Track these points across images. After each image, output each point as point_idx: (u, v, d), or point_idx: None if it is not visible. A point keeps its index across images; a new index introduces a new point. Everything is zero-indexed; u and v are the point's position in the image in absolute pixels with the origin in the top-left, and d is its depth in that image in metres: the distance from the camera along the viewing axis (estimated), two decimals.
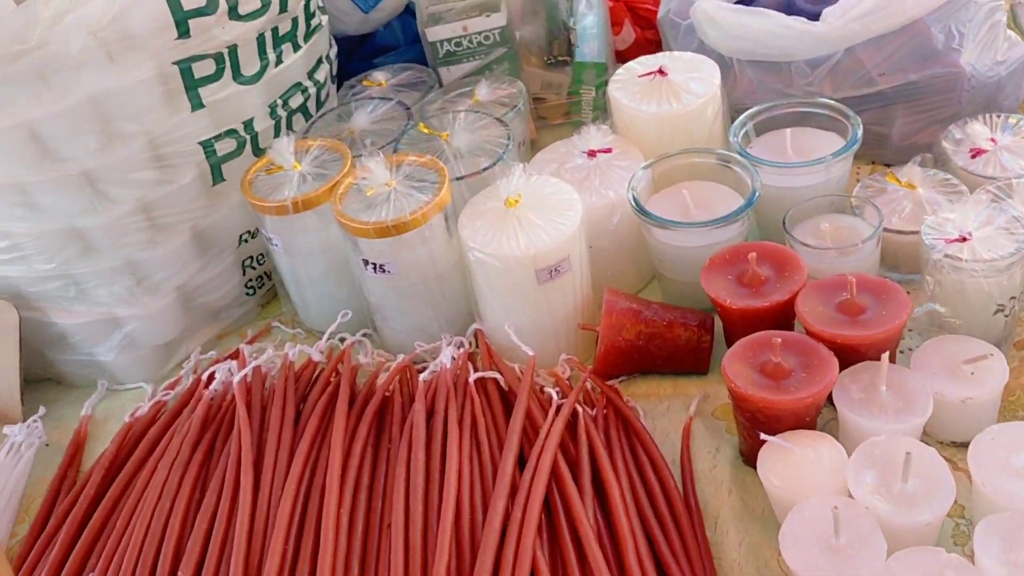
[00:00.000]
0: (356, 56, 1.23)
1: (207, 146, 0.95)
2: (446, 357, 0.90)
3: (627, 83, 1.00)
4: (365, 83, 1.16)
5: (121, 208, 0.93)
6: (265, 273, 1.06)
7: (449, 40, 1.13)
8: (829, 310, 0.80)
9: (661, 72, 0.99)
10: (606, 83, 1.16)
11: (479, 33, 1.13)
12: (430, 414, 0.85)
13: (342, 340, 0.99)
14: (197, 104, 0.92)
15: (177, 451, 0.85)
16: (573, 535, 0.74)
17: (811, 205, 0.91)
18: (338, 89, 1.17)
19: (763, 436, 0.75)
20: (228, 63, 0.93)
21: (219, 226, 1.00)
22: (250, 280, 1.06)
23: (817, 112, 0.97)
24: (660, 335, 0.89)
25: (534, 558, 0.72)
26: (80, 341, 0.99)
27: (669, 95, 0.98)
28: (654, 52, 1.30)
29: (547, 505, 0.77)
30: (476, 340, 0.95)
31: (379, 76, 1.16)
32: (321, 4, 1.08)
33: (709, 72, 0.99)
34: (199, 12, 0.89)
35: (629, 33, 1.30)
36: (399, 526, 0.75)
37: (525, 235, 0.86)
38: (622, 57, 1.31)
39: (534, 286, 0.87)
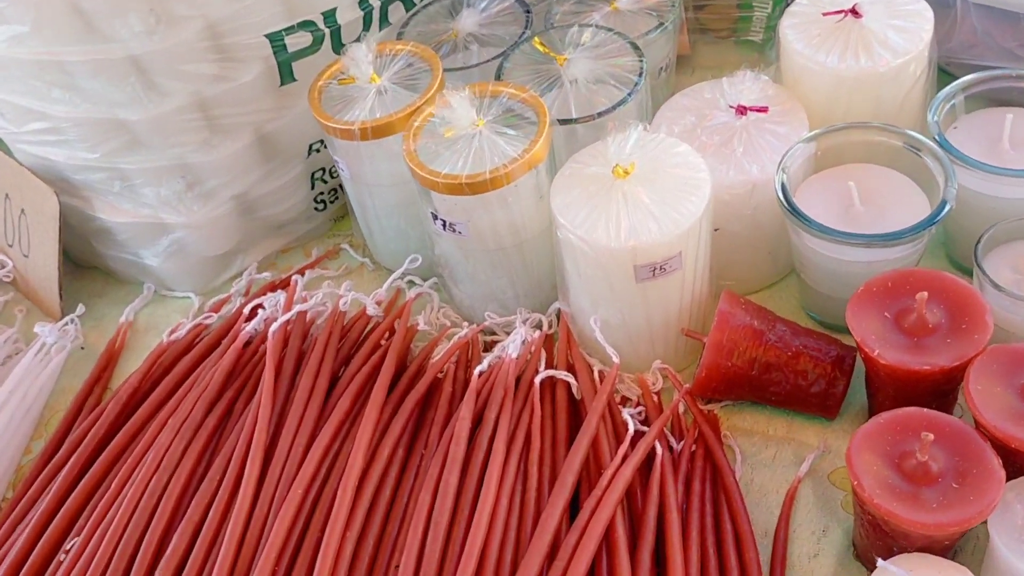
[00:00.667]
0: None
1: (275, 39, 0.79)
2: (514, 344, 0.74)
3: (806, 20, 0.77)
4: None
5: (172, 102, 0.79)
6: (339, 186, 0.92)
7: None
8: (1013, 396, 0.60)
9: (854, 12, 0.75)
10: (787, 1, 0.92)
11: None
12: (477, 421, 0.70)
13: (411, 283, 0.84)
14: None
15: (192, 407, 0.74)
16: None
17: (1018, 227, 0.69)
18: None
19: (880, 563, 0.57)
20: None
21: (286, 132, 0.85)
22: (320, 194, 0.91)
23: None
24: (781, 367, 0.70)
25: None
26: (126, 240, 0.89)
27: (859, 46, 0.74)
28: None
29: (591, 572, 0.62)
30: (557, 320, 0.78)
31: None
32: None
33: (919, 21, 0.75)
34: None
35: None
36: (408, 572, 0.62)
37: (629, 219, 0.67)
38: None
39: (631, 283, 0.69)
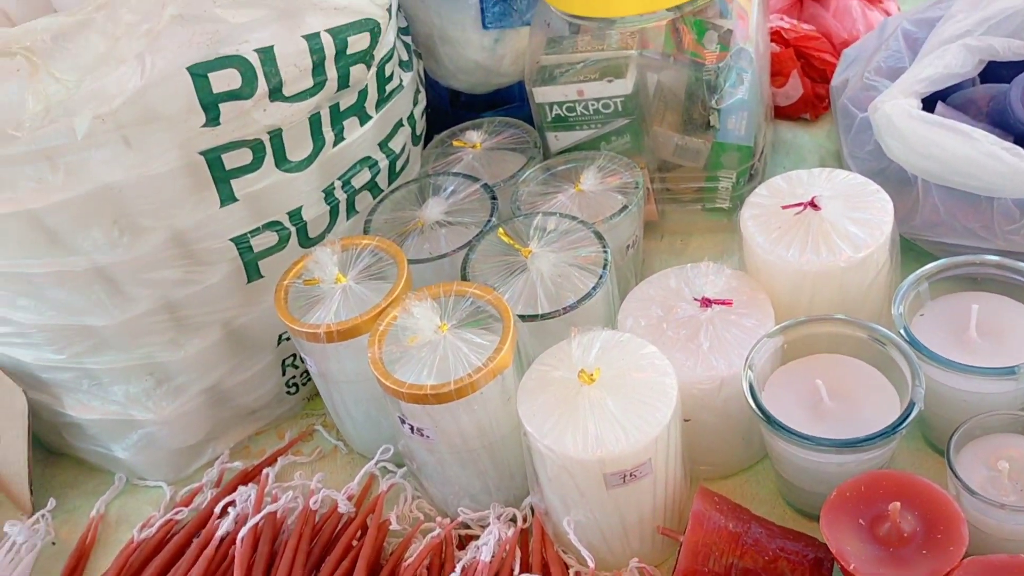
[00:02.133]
0: (461, 103, 1.04)
1: (241, 242, 0.79)
2: (487, 547, 0.73)
3: (766, 212, 0.77)
4: (456, 143, 0.97)
5: (139, 307, 0.79)
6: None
7: (560, 104, 0.92)
8: None
9: (813, 205, 0.75)
10: (751, 168, 0.94)
11: (597, 100, 0.91)
12: None
13: (384, 469, 0.83)
14: (228, 197, 0.76)
15: None
16: None
17: (992, 421, 0.68)
18: (425, 144, 0.99)
19: None
20: (270, 149, 0.77)
21: (255, 325, 0.85)
22: (292, 379, 0.91)
23: (1021, 280, 0.72)
24: (758, 572, 0.68)
25: None
26: (96, 434, 0.88)
27: (820, 239, 0.74)
28: (823, 112, 1.07)
29: None
30: (532, 513, 0.77)
31: (473, 136, 0.96)
32: (405, 57, 0.89)
33: (879, 212, 0.75)
34: (232, 95, 0.72)
35: (796, 87, 1.05)
36: None
37: (596, 428, 0.67)
38: (783, 114, 1.08)
39: (601, 489, 0.68)
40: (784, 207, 0.76)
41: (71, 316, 0.78)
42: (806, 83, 1.05)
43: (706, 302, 0.75)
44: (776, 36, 1.04)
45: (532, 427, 0.69)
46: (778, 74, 1.04)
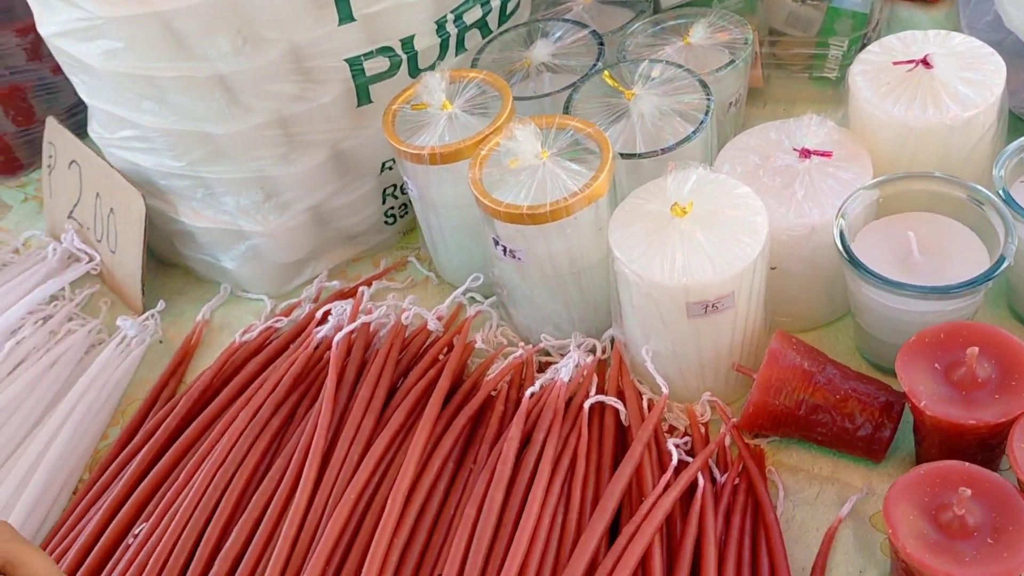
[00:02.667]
0: None
1: (355, 64, 0.82)
2: (567, 368, 0.76)
3: (876, 68, 0.77)
4: None
5: (255, 119, 0.83)
6: (409, 202, 0.95)
7: None
8: None
9: (925, 63, 0.75)
10: (864, 37, 0.93)
11: None
12: (526, 440, 0.72)
13: (472, 299, 0.87)
14: (346, 16, 0.79)
15: (259, 405, 0.78)
16: None
17: None
18: None
19: None
20: None
21: (360, 149, 0.88)
22: (391, 208, 0.95)
23: None
24: (829, 409, 0.71)
25: None
26: (206, 243, 0.93)
27: (928, 96, 0.74)
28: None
29: None
30: (611, 346, 0.80)
31: None
32: None
33: (991, 74, 0.75)
34: None
35: None
36: None
37: (683, 257, 0.69)
38: None
39: (683, 318, 0.71)
40: (895, 63, 0.76)
41: (192, 122, 0.83)
42: None
43: (805, 153, 0.76)
44: None
45: (622, 253, 0.71)
46: None
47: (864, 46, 0.93)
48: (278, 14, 0.77)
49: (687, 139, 0.78)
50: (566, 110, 0.83)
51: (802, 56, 0.96)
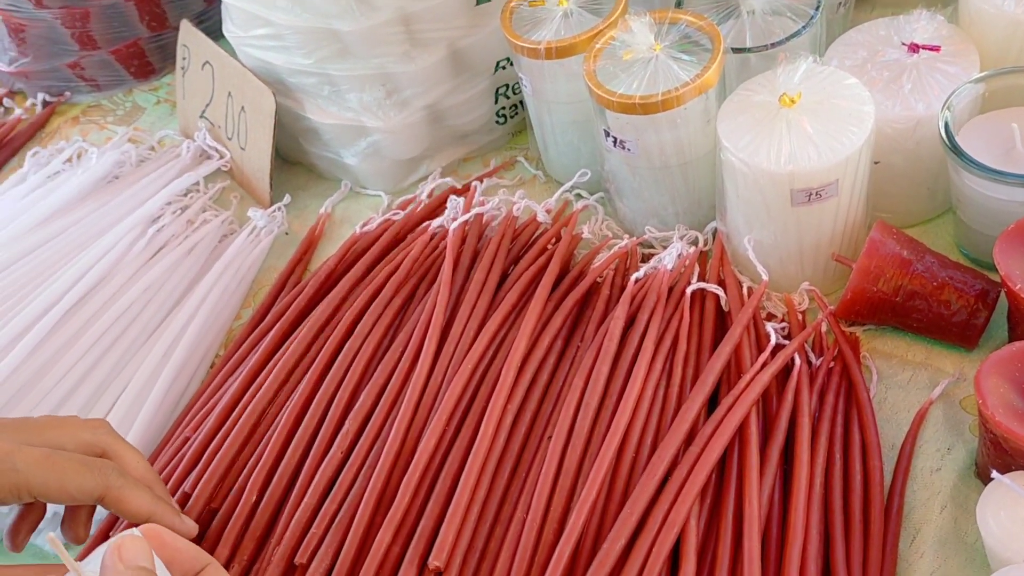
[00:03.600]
0: None
1: None
2: (670, 257, 0.80)
3: None
4: None
5: (380, 16, 0.88)
6: (520, 102, 0.99)
7: None
8: None
9: None
10: None
11: None
12: (630, 322, 0.77)
13: (579, 195, 0.91)
14: None
15: (380, 286, 0.84)
16: (737, 512, 0.66)
17: None
18: None
19: (994, 474, 0.61)
20: None
21: (477, 48, 0.93)
22: (502, 108, 0.99)
23: None
24: (925, 296, 0.73)
25: (685, 526, 0.65)
26: (330, 140, 0.99)
27: None
28: None
29: (722, 465, 0.69)
30: (713, 238, 0.84)
31: None
32: None
33: None
34: None
35: None
36: (558, 443, 0.70)
37: (790, 145, 0.72)
38: None
39: (787, 206, 0.74)
40: None
41: (322, 19, 0.88)
42: None
43: (913, 47, 0.77)
44: None
45: (729, 143, 0.74)
46: None
47: None
48: None
49: (796, 34, 0.80)
50: (678, 6, 0.85)
51: None
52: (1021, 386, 0.62)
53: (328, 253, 0.96)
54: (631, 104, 0.76)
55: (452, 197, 0.93)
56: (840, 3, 0.90)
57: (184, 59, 1.09)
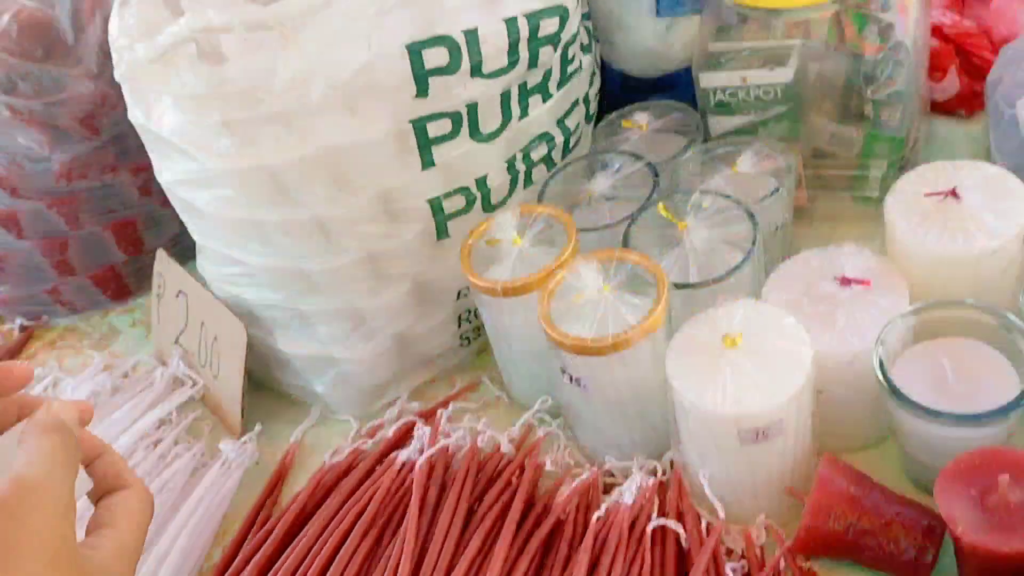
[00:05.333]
0: (630, 84, 1.12)
1: (435, 203, 0.91)
2: (630, 492, 0.83)
3: (909, 199, 0.83)
4: (624, 123, 1.06)
5: (348, 257, 0.92)
6: (481, 325, 1.03)
7: (723, 89, 0.99)
8: None
9: (953, 194, 0.81)
10: (903, 159, 0.99)
11: (759, 87, 0.98)
12: (594, 564, 0.78)
13: (541, 419, 0.94)
14: (428, 162, 0.89)
15: (348, 529, 0.86)
16: None
17: None
18: (596, 123, 1.08)
19: None
20: (466, 121, 0.88)
21: (440, 279, 0.97)
22: (465, 332, 1.03)
23: None
24: (875, 533, 0.76)
25: None
26: (299, 369, 1.02)
27: (957, 226, 0.80)
28: (978, 108, 1.10)
29: None
30: (672, 467, 0.86)
31: (640, 118, 1.05)
32: (586, 41, 0.98)
33: (1017, 203, 0.80)
34: (441, 71, 0.84)
35: (953, 82, 1.09)
36: None
37: (734, 386, 0.75)
38: (938, 108, 1.11)
39: (735, 444, 0.77)
40: (927, 194, 0.82)
41: (292, 260, 0.92)
42: (963, 79, 1.08)
43: (845, 281, 0.82)
44: (936, 31, 1.08)
45: (677, 383, 0.78)
46: (936, 69, 1.08)
47: (903, 167, 0.99)
48: (369, 163, 0.86)
49: (736, 269, 0.84)
50: (625, 241, 0.90)
51: (844, 177, 1.03)
52: None
53: (299, 482, 0.97)
54: (583, 346, 0.79)
55: (419, 427, 0.95)
56: (777, 226, 0.96)
57: (160, 287, 1.13)
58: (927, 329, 0.80)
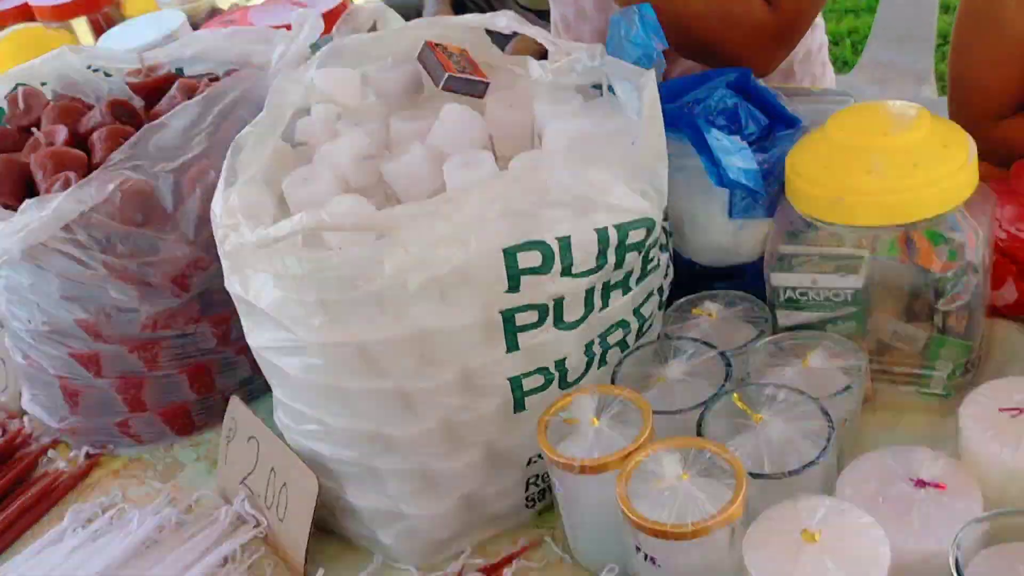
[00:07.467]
0: (697, 270, 1.18)
1: (515, 381, 0.95)
2: None
3: (983, 412, 0.87)
4: (694, 311, 1.10)
5: (426, 424, 0.95)
6: (548, 488, 1.05)
7: (794, 288, 1.04)
8: None
9: None
10: (968, 363, 1.03)
11: (829, 289, 1.03)
12: None
13: None
14: (513, 346, 0.93)
15: None
16: None
17: None
18: (667, 308, 1.13)
19: None
20: (552, 313, 0.93)
21: (512, 448, 1.00)
22: (532, 495, 1.05)
23: None
24: None
25: None
26: (367, 520, 1.04)
27: None
28: None
29: None
30: None
31: (711, 306, 1.10)
32: (664, 241, 1.04)
33: None
34: (534, 271, 0.90)
35: (1011, 291, 1.13)
36: None
37: None
38: (998, 312, 1.16)
39: None
40: (1001, 409, 0.85)
41: (371, 424, 0.95)
42: (1020, 287, 1.13)
43: (920, 483, 0.84)
44: (994, 244, 1.13)
45: (756, 571, 0.79)
46: (995, 279, 1.13)
47: (967, 370, 1.03)
48: (456, 345, 0.91)
49: (813, 463, 0.87)
50: (699, 428, 0.93)
51: (909, 373, 1.06)
52: None
53: None
54: (663, 531, 0.81)
55: None
56: (846, 419, 0.99)
57: (231, 430, 1.16)
58: (1002, 532, 0.81)
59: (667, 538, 0.82)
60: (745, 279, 1.15)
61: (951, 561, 0.79)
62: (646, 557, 0.86)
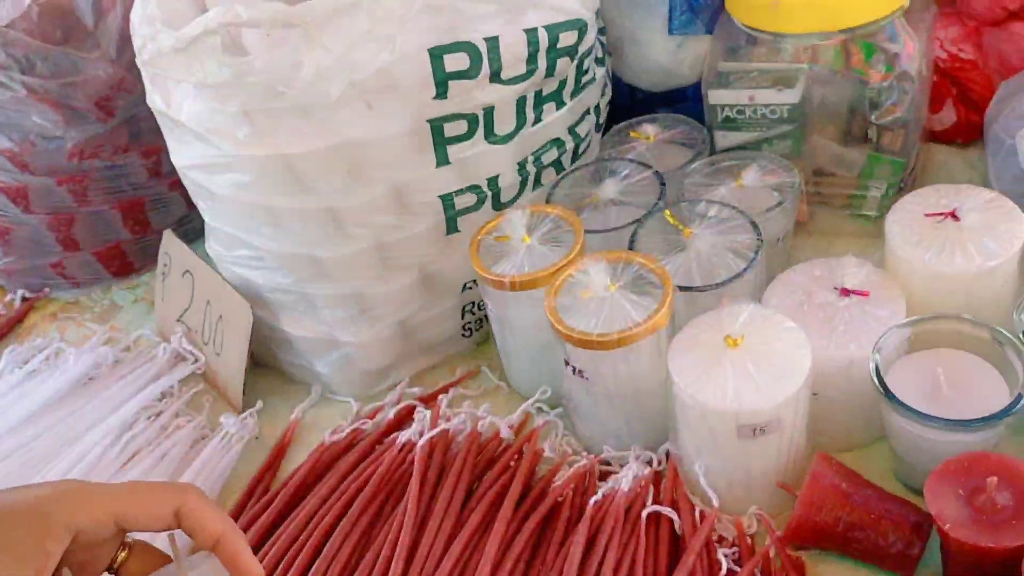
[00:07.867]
0: (638, 97, 1.16)
1: (447, 199, 0.94)
2: (626, 479, 0.85)
3: (909, 218, 0.87)
4: (632, 134, 1.09)
5: (358, 245, 0.94)
6: (485, 317, 1.05)
7: (731, 107, 1.03)
8: None
9: (952, 216, 0.84)
10: (902, 181, 1.03)
11: (766, 106, 1.01)
12: (590, 544, 0.81)
13: (540, 409, 0.97)
14: (443, 160, 0.91)
15: (349, 502, 0.88)
16: None
17: None
18: (604, 133, 1.11)
19: None
20: (481, 123, 0.91)
21: (446, 272, 0.99)
22: (468, 323, 1.05)
23: None
24: (864, 527, 0.78)
25: None
26: (303, 351, 1.04)
27: (955, 246, 0.83)
28: (974, 139, 1.14)
29: None
30: (667, 459, 0.89)
31: (648, 129, 1.08)
32: (600, 55, 1.01)
33: (1014, 227, 0.84)
34: (461, 75, 0.86)
35: (949, 114, 1.13)
36: None
37: (734, 385, 0.78)
38: (935, 138, 1.15)
39: (733, 438, 0.80)
40: (927, 215, 0.85)
41: (302, 246, 0.94)
42: (960, 110, 1.12)
43: (845, 292, 0.85)
44: (933, 65, 1.12)
45: (679, 379, 0.80)
46: (933, 100, 1.12)
47: (901, 189, 1.03)
48: (384, 158, 0.89)
49: (740, 275, 0.87)
50: (631, 244, 0.93)
51: (844, 195, 1.06)
52: None
53: (297, 458, 0.99)
54: (589, 340, 0.82)
55: (419, 410, 0.97)
56: (779, 238, 0.99)
57: (165, 265, 1.15)
58: (922, 341, 0.83)
59: (593, 347, 0.82)
60: (685, 104, 1.14)
61: (871, 366, 0.80)
62: (575, 371, 0.86)
